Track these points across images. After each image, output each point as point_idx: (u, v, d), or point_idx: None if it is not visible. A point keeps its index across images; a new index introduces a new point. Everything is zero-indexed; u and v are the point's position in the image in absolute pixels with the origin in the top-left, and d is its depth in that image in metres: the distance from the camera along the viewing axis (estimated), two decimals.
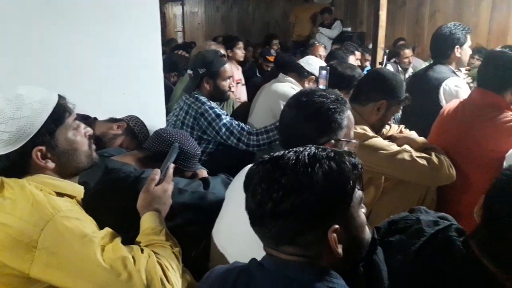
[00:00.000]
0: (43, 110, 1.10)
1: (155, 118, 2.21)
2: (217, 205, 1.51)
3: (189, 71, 2.35)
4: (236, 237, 1.25)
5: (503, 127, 1.78)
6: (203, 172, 1.77)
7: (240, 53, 3.97)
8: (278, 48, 5.44)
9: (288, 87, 2.69)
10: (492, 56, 1.93)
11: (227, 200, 1.46)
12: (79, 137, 1.18)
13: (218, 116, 2.19)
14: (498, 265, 0.83)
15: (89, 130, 1.23)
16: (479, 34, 4.65)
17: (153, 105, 2.27)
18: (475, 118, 1.86)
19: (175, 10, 9.63)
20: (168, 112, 2.46)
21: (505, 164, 1.65)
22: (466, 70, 3.36)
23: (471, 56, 3.08)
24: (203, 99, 2.26)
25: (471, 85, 3.32)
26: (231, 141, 2.17)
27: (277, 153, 0.89)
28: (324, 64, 2.57)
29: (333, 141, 1.25)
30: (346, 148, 1.29)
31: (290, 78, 2.75)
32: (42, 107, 1.10)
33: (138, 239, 1.17)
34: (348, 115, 1.28)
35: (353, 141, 1.31)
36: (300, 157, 0.84)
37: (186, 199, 1.48)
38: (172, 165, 1.34)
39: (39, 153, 1.10)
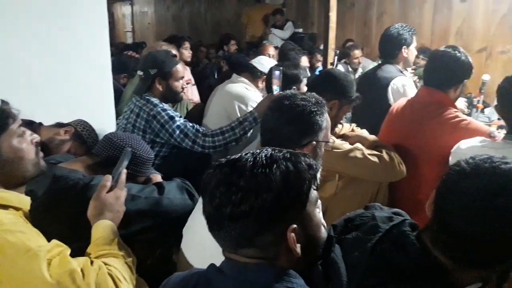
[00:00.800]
0: None
1: (104, 122, 2.13)
2: (173, 210, 1.48)
3: (140, 72, 2.28)
4: (208, 248, 1.24)
5: (447, 124, 1.87)
6: (157, 177, 1.72)
7: (186, 53, 3.92)
8: (236, 49, 5.43)
9: (242, 87, 2.69)
10: (436, 56, 2.02)
11: (197, 209, 1.43)
12: (25, 144, 1.12)
13: (171, 118, 2.15)
14: (449, 258, 0.86)
15: (36, 137, 1.17)
16: (423, 35, 4.86)
17: (102, 108, 2.18)
18: (422, 116, 1.94)
19: (124, 9, 9.37)
20: (118, 115, 2.38)
21: (450, 159, 1.72)
22: (412, 69, 3.49)
23: (416, 56, 3.21)
24: (155, 101, 2.20)
25: (417, 84, 3.47)
26: (185, 143, 2.13)
27: (233, 156, 0.88)
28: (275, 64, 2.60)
29: (314, 142, 1.29)
30: (323, 149, 1.35)
31: (243, 79, 2.74)
32: None
33: (88, 250, 1.12)
34: (326, 117, 1.34)
35: (330, 141, 1.37)
36: (258, 158, 0.85)
37: (140, 205, 1.43)
38: (124, 171, 1.29)
39: None
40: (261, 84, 2.71)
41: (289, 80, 2.33)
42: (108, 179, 1.23)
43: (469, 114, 2.85)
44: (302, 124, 1.28)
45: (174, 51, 2.76)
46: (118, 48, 5.32)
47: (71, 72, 2.03)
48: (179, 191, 1.57)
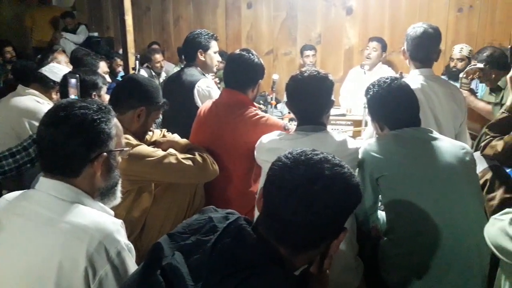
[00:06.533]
0: None
1: None
2: None
3: None
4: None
5: (249, 121, 2.02)
6: None
7: None
8: (13, 57, 4.79)
9: (31, 100, 2.37)
10: (233, 59, 2.15)
11: None
12: None
13: None
14: (282, 245, 0.93)
15: None
16: (219, 39, 5.17)
17: None
18: (227, 116, 2.04)
19: None
20: None
21: (256, 153, 1.86)
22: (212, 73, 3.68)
23: None
24: None
25: (219, 86, 3.67)
26: None
27: None
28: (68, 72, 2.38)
29: (105, 153, 1.16)
30: (119, 158, 1.23)
31: (32, 90, 2.42)
32: None
33: None
34: (115, 123, 1.21)
35: (125, 149, 1.26)
36: None
37: None
38: None
39: None
40: (55, 95, 2.44)
41: (87, 87, 2.17)
42: None
43: (265, 111, 3.16)
44: (86, 135, 1.13)
45: None
46: None
47: None
48: None
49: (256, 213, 1.02)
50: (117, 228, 1.11)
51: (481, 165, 1.88)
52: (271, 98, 3.25)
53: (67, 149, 1.12)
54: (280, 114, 3.58)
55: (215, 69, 2.83)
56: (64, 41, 5.78)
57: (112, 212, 1.21)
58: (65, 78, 2.16)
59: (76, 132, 1.12)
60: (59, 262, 1.03)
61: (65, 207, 1.10)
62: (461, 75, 2.79)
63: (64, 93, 2.17)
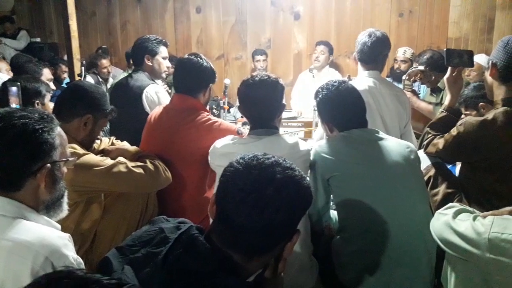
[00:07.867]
0: None
1: None
2: None
3: None
4: None
5: (202, 127, 2.00)
6: None
7: None
8: None
9: None
10: (181, 64, 2.12)
11: None
12: None
13: None
14: (236, 251, 0.92)
15: None
16: (169, 45, 5.10)
17: None
18: (179, 122, 2.01)
19: None
20: None
21: (209, 158, 1.84)
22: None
23: None
24: None
25: (169, 91, 3.61)
26: None
27: None
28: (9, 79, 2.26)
29: (49, 164, 1.11)
30: (65, 168, 1.19)
31: None
32: None
33: None
34: (59, 132, 1.17)
35: (71, 159, 1.21)
36: None
37: None
38: None
39: None
40: None
41: (30, 95, 2.07)
42: None
43: (218, 115, 3.15)
44: (27, 146, 1.08)
45: None
46: None
47: None
48: None
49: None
50: (64, 243, 1.07)
51: (425, 163, 1.98)
52: (224, 102, 3.24)
53: (7, 162, 1.06)
54: (233, 119, 3.58)
55: (164, 75, 2.77)
56: (4, 47, 5.49)
57: (59, 226, 1.16)
58: (5, 86, 2.05)
59: (16, 143, 1.07)
60: (1, 282, 0.97)
61: (6, 223, 1.04)
62: (404, 77, 2.93)
63: (3, 102, 2.05)
